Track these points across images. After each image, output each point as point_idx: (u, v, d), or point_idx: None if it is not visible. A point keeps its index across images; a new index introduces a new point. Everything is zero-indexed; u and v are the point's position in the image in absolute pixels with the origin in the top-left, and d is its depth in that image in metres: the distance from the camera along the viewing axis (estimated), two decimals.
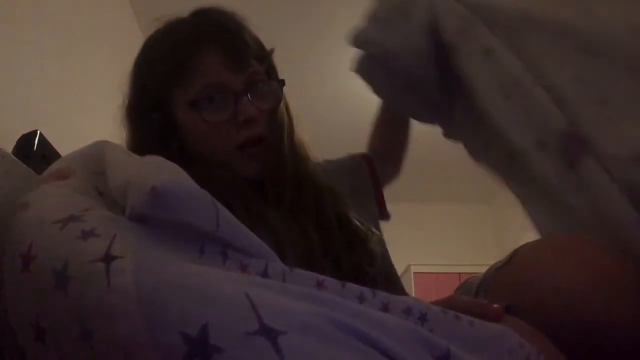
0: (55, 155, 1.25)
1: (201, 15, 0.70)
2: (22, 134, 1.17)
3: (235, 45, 0.66)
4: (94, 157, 0.42)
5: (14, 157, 0.46)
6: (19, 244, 0.31)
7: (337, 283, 0.34)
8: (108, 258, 0.28)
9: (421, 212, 4.02)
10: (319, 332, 0.27)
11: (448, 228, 4.07)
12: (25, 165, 0.47)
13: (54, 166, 0.42)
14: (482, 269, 0.64)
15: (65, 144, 1.37)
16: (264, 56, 0.70)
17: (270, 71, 0.71)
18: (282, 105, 0.70)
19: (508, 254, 0.60)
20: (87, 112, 1.76)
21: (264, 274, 0.32)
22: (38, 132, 1.18)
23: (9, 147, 1.14)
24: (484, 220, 4.11)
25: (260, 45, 0.71)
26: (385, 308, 0.34)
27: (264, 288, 0.29)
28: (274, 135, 0.68)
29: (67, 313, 0.28)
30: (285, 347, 0.25)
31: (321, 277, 0.34)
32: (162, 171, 0.34)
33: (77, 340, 0.27)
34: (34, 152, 1.14)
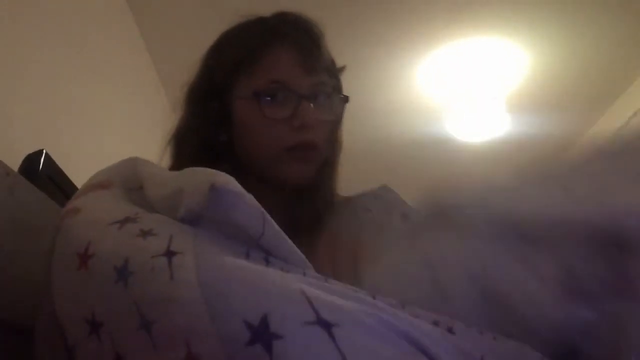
0: (61, 174, 1.25)
1: (283, 15, 0.71)
2: (27, 153, 1.17)
3: (310, 50, 0.67)
4: (129, 173, 0.43)
5: (19, 175, 0.47)
6: (75, 244, 0.33)
7: (368, 294, 0.35)
8: (169, 253, 0.30)
9: None
10: (370, 328, 0.29)
11: None
12: (31, 184, 0.47)
13: (96, 178, 0.44)
14: None
15: (71, 164, 1.38)
16: (335, 71, 0.72)
17: (337, 88, 0.72)
18: (340, 127, 0.72)
19: None
20: (93, 132, 1.77)
21: (305, 276, 0.34)
22: (44, 151, 1.19)
23: (15, 167, 1.15)
24: None
25: (332, 60, 0.72)
26: (415, 318, 0.35)
27: (314, 286, 0.31)
28: (327, 154, 0.69)
29: (126, 305, 0.29)
30: (339, 337, 0.27)
31: (352, 287, 0.35)
32: (215, 174, 0.36)
33: (136, 331, 0.28)
34: (39, 172, 1.14)
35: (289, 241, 0.36)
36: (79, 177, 1.42)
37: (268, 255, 0.34)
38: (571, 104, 2.82)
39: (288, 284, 0.29)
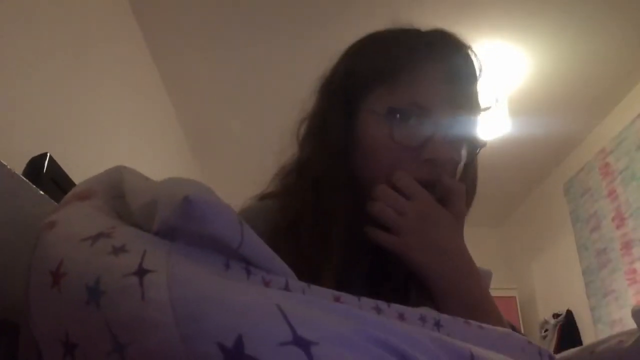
0: (65, 177, 1.25)
1: (443, 34, 0.65)
2: (32, 156, 1.18)
3: (466, 79, 0.61)
4: (113, 182, 0.43)
5: (22, 177, 0.47)
6: (48, 261, 0.32)
7: (353, 297, 0.34)
8: (141, 272, 0.29)
9: None
10: (351, 344, 0.27)
11: None
12: (34, 187, 0.47)
13: (77, 188, 0.43)
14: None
15: (75, 167, 1.39)
16: (480, 109, 0.64)
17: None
18: (473, 176, 0.65)
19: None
20: (97, 135, 1.78)
21: (286, 289, 0.33)
22: (48, 154, 1.19)
23: (19, 170, 1.15)
24: (492, 244, 4.08)
25: (479, 97, 0.64)
26: (401, 317, 0.35)
27: (292, 300, 0.30)
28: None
29: (98, 328, 0.28)
30: (318, 356, 0.26)
31: (337, 292, 0.34)
32: (190, 185, 0.34)
33: (109, 355, 0.27)
34: (43, 175, 1.14)
35: (269, 249, 0.35)
36: (82, 179, 1.43)
37: (249, 265, 0.33)
38: (573, 106, 2.81)
39: (265, 301, 0.28)
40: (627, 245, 2.69)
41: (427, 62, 0.60)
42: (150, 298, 0.27)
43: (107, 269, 0.29)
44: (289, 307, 0.28)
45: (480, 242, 4.28)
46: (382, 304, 0.35)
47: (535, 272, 3.65)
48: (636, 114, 2.66)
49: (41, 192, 0.48)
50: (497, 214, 3.99)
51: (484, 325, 0.38)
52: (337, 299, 0.34)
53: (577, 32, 2.37)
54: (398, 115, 0.57)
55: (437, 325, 0.36)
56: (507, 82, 2.64)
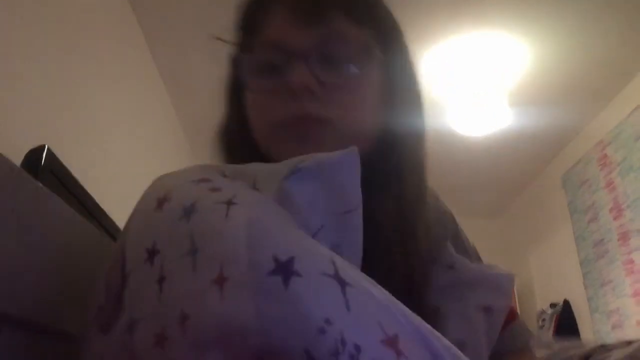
0: (63, 170, 1.25)
1: None
2: (30, 148, 1.18)
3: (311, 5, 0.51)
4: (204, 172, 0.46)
5: (22, 170, 0.47)
6: (157, 190, 0.38)
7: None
8: (229, 202, 0.34)
9: None
10: (382, 306, 0.32)
11: None
12: (34, 179, 0.47)
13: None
14: None
15: (73, 159, 1.38)
16: (369, 17, 0.53)
17: (378, 38, 0.53)
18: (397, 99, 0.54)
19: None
20: (95, 127, 1.78)
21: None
22: (46, 146, 1.19)
23: (17, 162, 1.15)
24: (491, 235, 4.09)
25: (368, 2, 0.55)
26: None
27: (345, 264, 0.34)
28: (347, 127, 0.50)
29: (183, 236, 0.33)
30: (350, 293, 0.30)
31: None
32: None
33: (184, 256, 0.32)
34: (42, 167, 1.14)
35: (360, 236, 0.40)
36: (81, 172, 1.43)
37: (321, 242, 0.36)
38: (572, 97, 2.81)
39: (322, 250, 0.33)
40: (624, 236, 2.70)
41: (261, 4, 0.55)
42: (231, 217, 0.33)
43: (204, 197, 0.36)
44: (340, 263, 0.33)
45: (479, 233, 4.29)
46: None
47: (533, 263, 3.67)
48: (635, 106, 2.66)
49: (40, 185, 0.48)
50: (495, 205, 4.00)
51: None
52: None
53: (576, 24, 2.36)
54: (256, 68, 0.52)
55: None
56: (505, 74, 2.64)
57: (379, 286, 0.35)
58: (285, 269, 0.30)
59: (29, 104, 1.34)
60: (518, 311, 3.49)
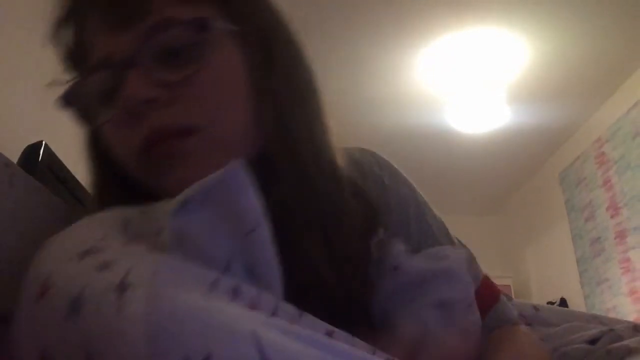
0: (61, 166, 1.25)
1: None
2: (27, 144, 1.17)
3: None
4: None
5: (18, 167, 0.47)
6: (40, 273, 0.32)
7: (347, 335, 0.33)
8: (122, 287, 0.28)
9: None
10: None
11: None
12: (30, 176, 0.47)
13: None
14: None
15: (71, 155, 1.38)
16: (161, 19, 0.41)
17: (229, 10, 0.44)
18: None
19: None
20: None
21: (274, 314, 0.31)
22: (43, 142, 1.18)
23: (14, 158, 1.15)
24: (488, 232, 4.10)
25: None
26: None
27: (273, 328, 0.29)
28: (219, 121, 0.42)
29: (75, 340, 0.28)
30: None
31: (330, 327, 0.32)
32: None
33: None
34: (39, 163, 1.14)
35: (273, 251, 0.34)
36: (78, 168, 1.42)
37: (238, 287, 0.31)
38: (569, 95, 2.81)
39: (242, 326, 0.27)
40: (621, 235, 2.71)
41: (75, 22, 0.46)
42: (126, 312, 0.27)
43: (90, 283, 0.29)
44: (267, 335, 0.27)
45: (475, 231, 4.30)
46: (378, 351, 0.34)
47: (530, 261, 3.68)
48: (633, 103, 2.67)
49: (37, 182, 0.48)
50: (492, 202, 4.01)
51: None
52: (329, 334, 0.32)
53: (574, 21, 2.36)
54: (92, 97, 0.44)
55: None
56: (504, 71, 2.64)
57: (318, 332, 0.31)
58: None
59: (27, 101, 1.34)
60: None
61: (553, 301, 3.19)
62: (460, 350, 0.44)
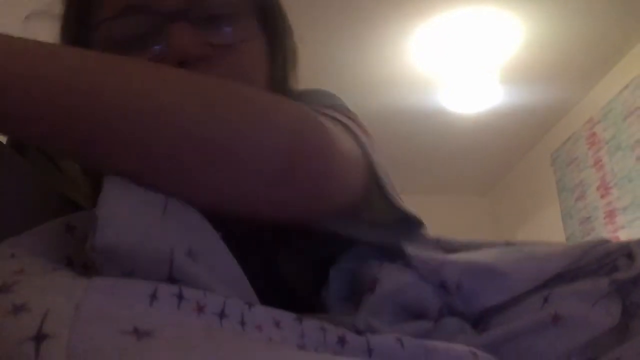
0: None
1: None
2: None
3: None
4: None
5: (8, 147, 0.46)
6: None
7: (294, 320, 0.31)
8: (39, 337, 0.25)
9: (417, 203, 3.95)
10: None
11: (444, 220, 4.07)
12: (20, 157, 0.47)
13: None
14: None
15: None
16: None
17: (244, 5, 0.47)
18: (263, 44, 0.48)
19: None
20: None
21: (222, 314, 0.29)
22: None
23: (3, 139, 1.14)
24: (480, 212, 4.13)
25: None
26: (342, 341, 0.32)
27: (217, 338, 0.27)
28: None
29: None
30: None
31: (277, 316, 0.31)
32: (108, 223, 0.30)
33: None
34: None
35: (200, 266, 0.31)
36: None
37: (182, 289, 0.29)
38: (563, 75, 2.81)
39: (174, 357, 0.25)
40: (610, 214, 2.74)
41: None
42: None
43: (3, 332, 0.25)
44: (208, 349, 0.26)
45: (467, 210, 4.34)
46: (326, 325, 0.32)
47: (521, 240, 3.71)
48: (624, 84, 2.67)
49: (27, 162, 0.47)
50: (483, 182, 4.03)
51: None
52: (276, 324, 0.30)
53: (567, 2, 2.35)
54: (117, 33, 0.44)
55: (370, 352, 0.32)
56: (497, 51, 2.63)
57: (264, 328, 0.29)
58: None
59: None
60: None
61: None
62: None
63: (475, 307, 0.41)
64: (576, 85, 2.92)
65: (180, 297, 0.28)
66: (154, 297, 0.28)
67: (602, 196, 2.81)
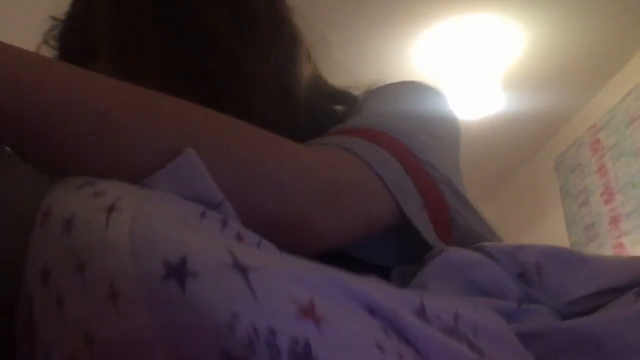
0: None
1: None
2: None
3: None
4: None
5: (13, 153, 0.46)
6: (44, 204, 0.36)
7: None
8: (111, 209, 0.32)
9: None
10: (293, 276, 0.30)
11: None
12: (23, 163, 0.47)
13: None
14: None
15: None
16: None
17: None
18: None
19: None
20: None
21: (258, 246, 0.34)
22: None
23: None
24: None
25: None
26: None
27: (249, 249, 0.32)
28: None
29: (67, 253, 0.31)
30: (254, 279, 0.28)
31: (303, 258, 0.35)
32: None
33: (72, 274, 0.31)
34: None
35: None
36: None
37: (227, 217, 0.34)
38: (565, 82, 2.81)
39: (216, 239, 0.31)
40: (614, 220, 2.73)
41: None
42: (113, 227, 0.30)
43: (83, 206, 0.33)
44: (241, 247, 0.31)
45: None
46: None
47: None
48: (627, 90, 2.67)
49: (31, 168, 0.48)
50: (487, 189, 4.02)
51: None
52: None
53: (572, 6, 2.35)
54: None
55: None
56: (499, 58, 2.63)
57: (292, 256, 0.33)
58: (178, 272, 0.28)
59: None
60: None
61: None
62: None
63: (559, 298, 0.40)
64: (579, 91, 2.92)
65: (224, 223, 0.33)
66: (203, 215, 0.33)
67: (606, 202, 2.80)
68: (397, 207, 0.44)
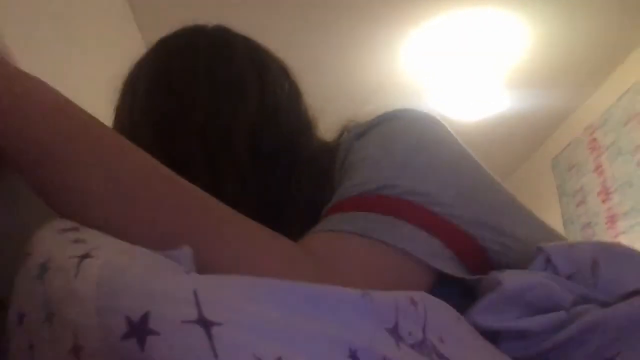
0: None
1: None
2: None
3: None
4: None
5: None
6: (28, 244, 0.36)
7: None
8: (85, 257, 0.32)
9: None
10: (259, 329, 0.29)
11: None
12: None
13: None
14: None
15: None
16: None
17: None
18: None
19: None
20: (88, 107, 1.76)
21: None
22: None
23: None
24: None
25: None
26: None
27: (213, 283, 0.31)
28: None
29: (39, 299, 0.32)
30: (217, 336, 0.28)
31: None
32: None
33: (42, 323, 0.31)
34: None
35: None
36: None
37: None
38: (562, 81, 2.82)
39: (184, 285, 0.30)
40: (611, 219, 2.74)
41: None
42: (82, 276, 0.30)
43: (60, 252, 0.33)
44: (206, 290, 0.30)
45: None
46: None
47: None
48: (623, 91, 2.68)
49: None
50: None
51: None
52: None
53: (565, 8, 2.36)
54: None
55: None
56: (496, 58, 2.63)
57: (273, 280, 0.32)
58: (139, 329, 0.28)
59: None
60: None
61: None
62: None
63: (614, 292, 0.40)
64: (576, 91, 2.92)
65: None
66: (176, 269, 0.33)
67: (603, 201, 2.80)
68: (430, 268, 0.43)
